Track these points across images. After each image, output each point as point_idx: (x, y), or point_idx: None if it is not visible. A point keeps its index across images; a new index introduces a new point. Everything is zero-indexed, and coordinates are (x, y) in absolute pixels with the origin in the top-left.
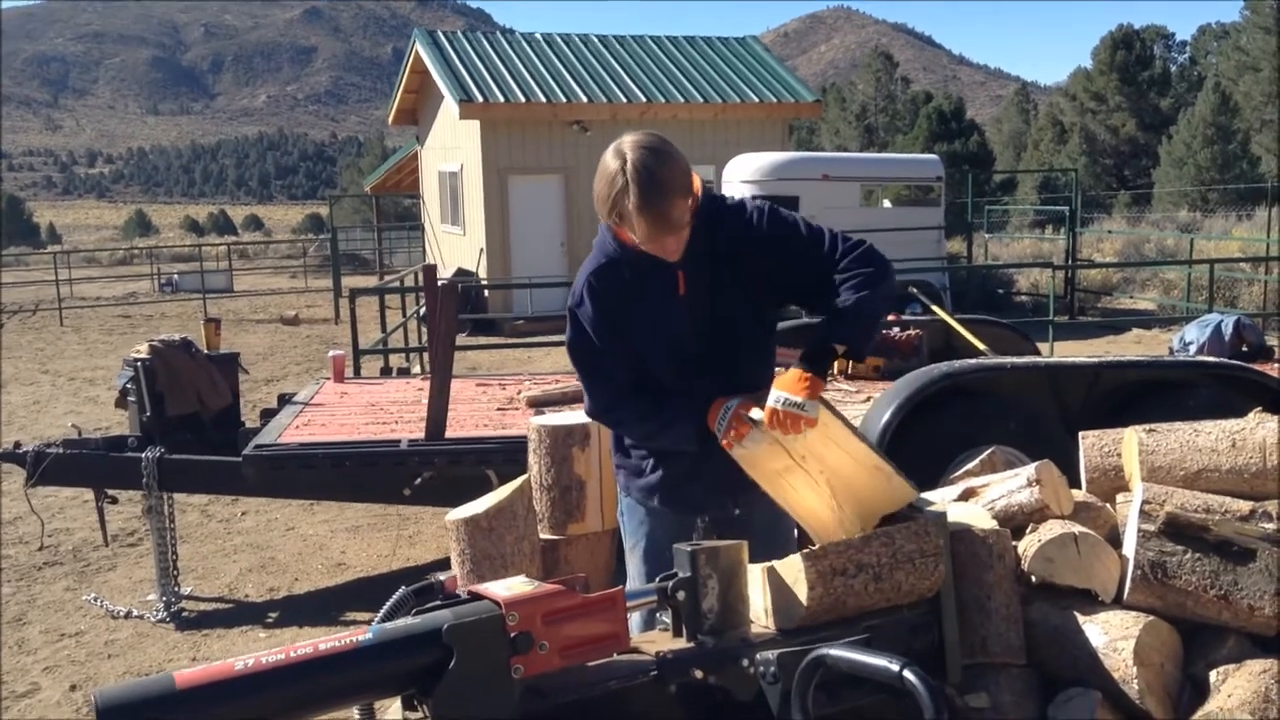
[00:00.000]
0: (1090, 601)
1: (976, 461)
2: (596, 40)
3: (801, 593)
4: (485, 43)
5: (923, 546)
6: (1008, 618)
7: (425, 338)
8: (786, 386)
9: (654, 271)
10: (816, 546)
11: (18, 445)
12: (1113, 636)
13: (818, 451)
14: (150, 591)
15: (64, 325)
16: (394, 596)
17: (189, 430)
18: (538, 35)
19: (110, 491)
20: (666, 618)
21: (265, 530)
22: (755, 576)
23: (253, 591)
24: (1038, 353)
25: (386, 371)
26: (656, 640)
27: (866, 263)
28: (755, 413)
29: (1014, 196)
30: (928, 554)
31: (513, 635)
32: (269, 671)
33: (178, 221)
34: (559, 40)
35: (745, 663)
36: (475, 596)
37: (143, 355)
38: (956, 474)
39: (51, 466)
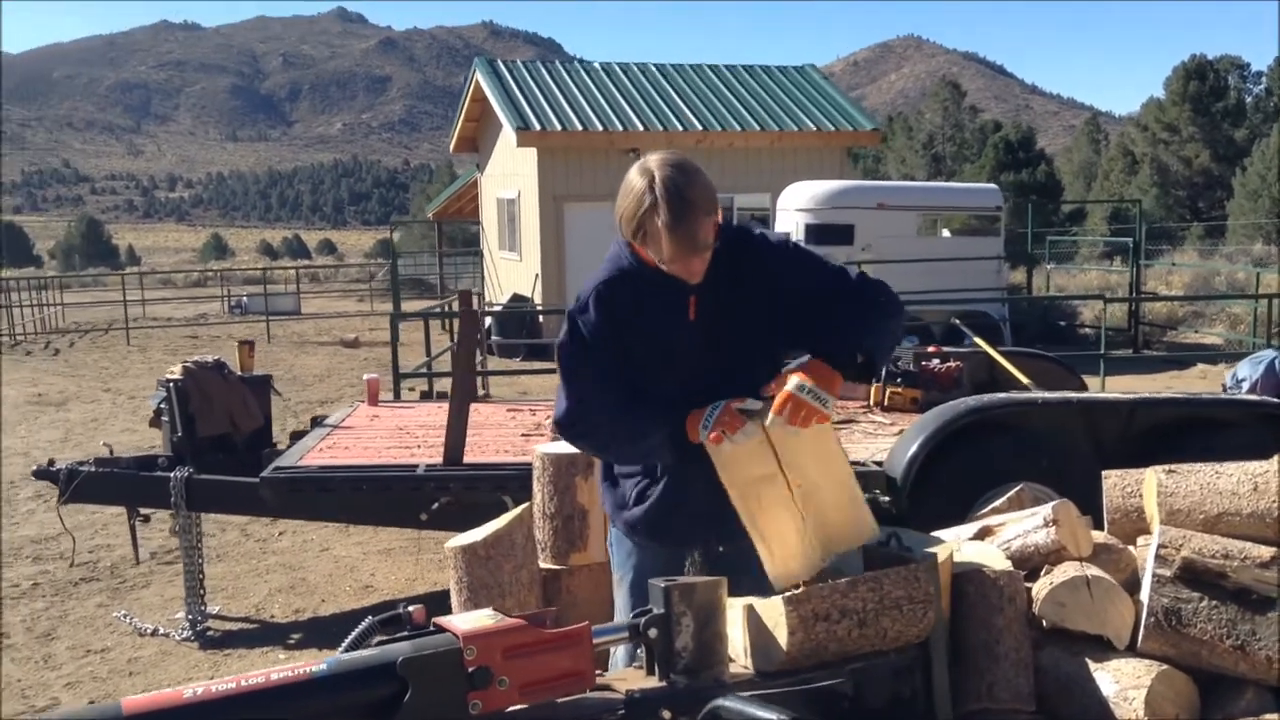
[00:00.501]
0: (1103, 648)
1: (1004, 499)
2: (654, 69)
3: (781, 637)
4: (544, 71)
5: (911, 592)
6: (1017, 663)
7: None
8: (807, 375)
9: (666, 293)
10: (786, 584)
11: (51, 463)
12: (1124, 685)
13: (805, 463)
14: (180, 609)
15: (130, 345)
16: (360, 626)
17: (221, 451)
18: (595, 64)
19: (144, 510)
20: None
21: (299, 551)
22: (737, 614)
23: (279, 612)
24: (1084, 387)
25: (427, 395)
26: (628, 678)
27: (882, 299)
28: (750, 403)
29: (1083, 227)
30: (916, 600)
31: (471, 670)
32: (218, 701)
33: (254, 245)
34: (616, 69)
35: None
36: (441, 629)
37: (176, 376)
38: (982, 511)
39: (83, 484)
